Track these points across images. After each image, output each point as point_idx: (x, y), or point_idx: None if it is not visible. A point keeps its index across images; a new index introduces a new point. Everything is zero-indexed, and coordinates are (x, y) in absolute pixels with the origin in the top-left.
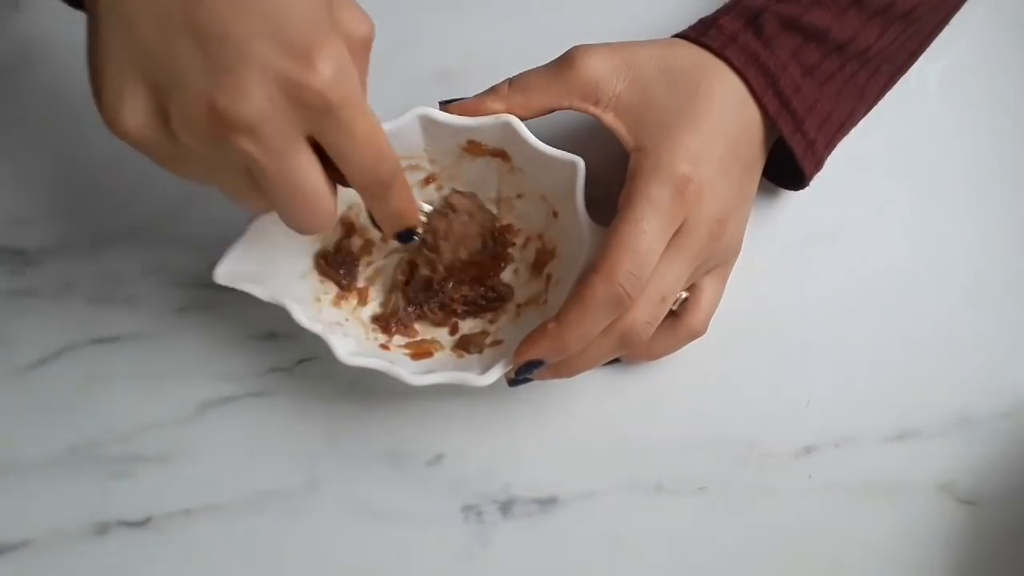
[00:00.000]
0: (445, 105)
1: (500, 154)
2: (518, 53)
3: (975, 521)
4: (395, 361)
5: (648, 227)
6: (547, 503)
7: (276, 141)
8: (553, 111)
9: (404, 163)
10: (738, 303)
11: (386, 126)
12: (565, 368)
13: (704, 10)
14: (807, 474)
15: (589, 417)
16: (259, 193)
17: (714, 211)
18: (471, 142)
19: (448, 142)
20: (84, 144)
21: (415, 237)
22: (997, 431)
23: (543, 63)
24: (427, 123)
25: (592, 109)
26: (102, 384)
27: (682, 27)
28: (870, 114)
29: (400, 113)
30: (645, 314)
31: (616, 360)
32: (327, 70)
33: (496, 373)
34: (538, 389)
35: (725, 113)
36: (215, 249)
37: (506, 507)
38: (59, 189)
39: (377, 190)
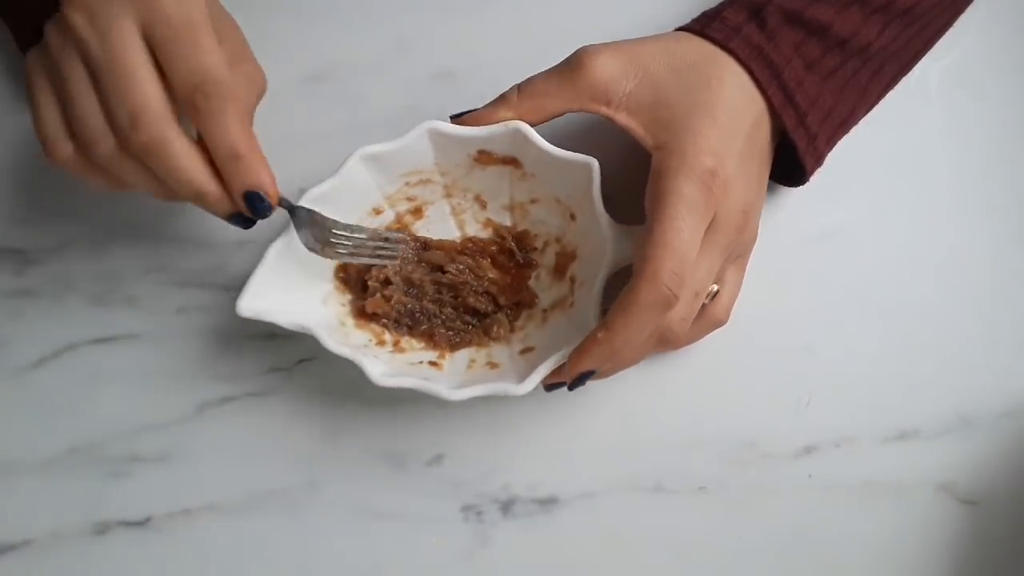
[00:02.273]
0: (456, 118)
1: (511, 161)
2: (518, 53)
3: (975, 521)
4: (429, 377)
5: (685, 225)
6: (547, 503)
7: (102, 21)
8: (564, 114)
9: (415, 178)
10: (738, 303)
11: (395, 143)
12: (606, 371)
13: (703, 7)
14: (807, 474)
15: (589, 417)
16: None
17: (739, 203)
18: (481, 152)
19: (458, 154)
20: None
21: (263, 213)
22: (997, 431)
23: (543, 63)
24: (436, 136)
25: (604, 110)
26: (102, 384)
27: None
28: (871, 114)
29: (400, 115)
30: (682, 311)
31: None
32: None
33: (534, 381)
34: (537, 389)
35: (737, 105)
36: (215, 249)
37: (506, 507)
38: (59, 189)
39: (198, 102)
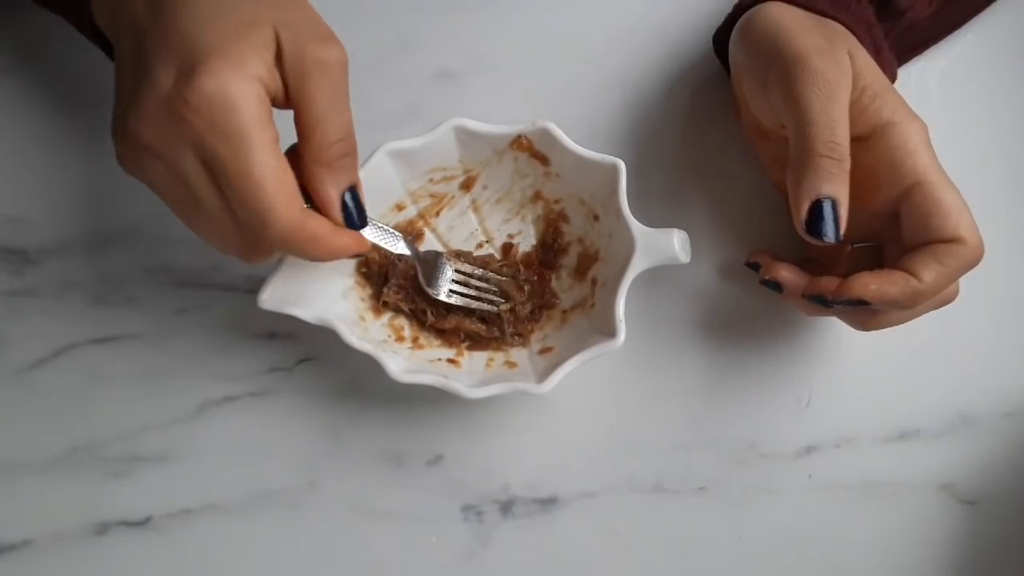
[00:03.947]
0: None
1: (540, 158)
2: (518, 53)
3: (975, 521)
4: (447, 375)
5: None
6: (547, 503)
7: (168, 156)
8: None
9: (439, 174)
10: (738, 302)
11: (421, 140)
12: (876, 323)
13: (704, 11)
14: (807, 474)
15: (589, 417)
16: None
17: None
18: (519, 138)
19: (483, 151)
20: (84, 144)
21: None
22: (997, 431)
23: (543, 63)
24: (462, 134)
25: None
26: (102, 384)
27: (682, 27)
28: None
29: (400, 115)
30: None
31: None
32: (206, 85)
33: (553, 382)
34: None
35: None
36: (215, 249)
37: (506, 507)
38: (59, 189)
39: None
